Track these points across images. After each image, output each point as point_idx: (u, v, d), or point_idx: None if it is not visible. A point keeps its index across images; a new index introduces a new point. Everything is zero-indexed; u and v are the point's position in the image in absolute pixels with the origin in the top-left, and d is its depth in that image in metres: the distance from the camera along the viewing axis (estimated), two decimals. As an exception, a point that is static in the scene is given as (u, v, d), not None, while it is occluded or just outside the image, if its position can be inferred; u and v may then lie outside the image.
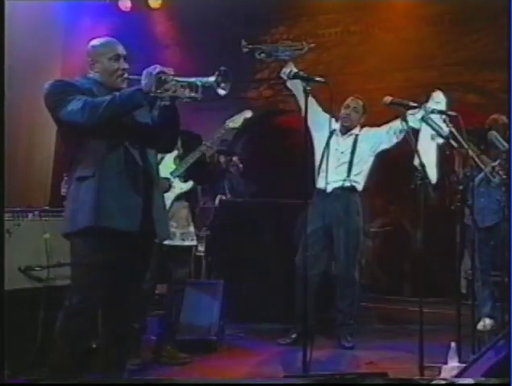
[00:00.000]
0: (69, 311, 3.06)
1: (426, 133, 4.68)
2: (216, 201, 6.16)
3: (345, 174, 4.98)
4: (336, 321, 5.08)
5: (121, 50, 3.23)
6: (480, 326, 4.90)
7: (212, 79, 2.96)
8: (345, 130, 5.11)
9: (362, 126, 5.16)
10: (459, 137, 4.25)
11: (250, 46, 4.33)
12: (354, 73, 7.89)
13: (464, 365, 3.20)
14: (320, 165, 5.07)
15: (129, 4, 8.52)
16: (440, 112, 4.37)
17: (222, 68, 3.00)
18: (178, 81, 3.01)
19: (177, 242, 4.35)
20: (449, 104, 4.74)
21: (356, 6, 7.94)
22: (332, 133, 5.05)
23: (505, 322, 4.42)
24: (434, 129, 4.22)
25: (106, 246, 3.04)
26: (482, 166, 4.82)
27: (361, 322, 5.68)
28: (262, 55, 4.33)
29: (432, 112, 4.33)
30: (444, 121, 4.16)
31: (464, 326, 4.11)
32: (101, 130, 3.04)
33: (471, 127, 4.37)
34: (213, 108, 6.82)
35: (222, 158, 6.34)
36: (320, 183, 5.02)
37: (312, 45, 4.41)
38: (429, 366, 3.67)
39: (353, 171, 5.01)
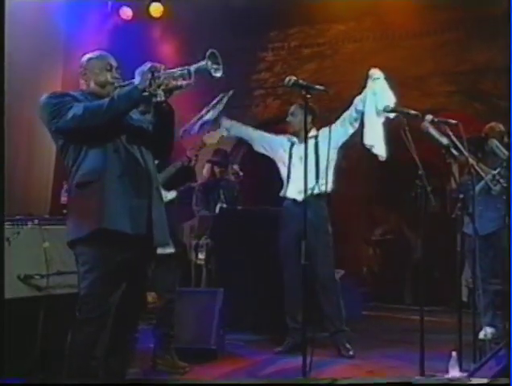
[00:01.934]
0: (80, 321, 3.05)
1: (371, 110, 4.72)
2: (217, 209, 6.15)
3: (314, 180, 4.94)
4: (329, 329, 5.04)
5: (112, 61, 3.31)
6: (481, 335, 4.86)
7: (203, 62, 2.99)
8: (298, 136, 5.09)
9: (319, 128, 5.13)
10: (460, 145, 4.25)
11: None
12: (352, 81, 7.90)
13: (465, 374, 3.19)
14: (289, 175, 5.10)
15: (130, 13, 8.53)
16: (441, 121, 4.37)
17: (210, 50, 3.01)
18: (170, 74, 3.04)
19: (158, 250, 4.33)
20: (388, 81, 4.74)
21: (355, 15, 7.96)
22: (292, 144, 5.13)
23: (507, 330, 4.40)
24: (434, 138, 4.22)
25: (114, 251, 3.04)
26: (483, 174, 4.82)
27: (361, 331, 5.68)
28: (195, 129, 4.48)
29: (432, 121, 4.34)
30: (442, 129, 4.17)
31: (465, 334, 4.09)
32: (100, 134, 3.07)
33: (468, 135, 4.35)
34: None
35: (216, 169, 6.35)
36: (291, 193, 5.05)
37: (226, 98, 4.63)
38: (430, 375, 3.66)
39: (320, 176, 4.98)
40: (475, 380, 2.75)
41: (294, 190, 5.02)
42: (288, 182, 5.13)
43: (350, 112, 4.96)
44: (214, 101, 4.57)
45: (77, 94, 3.22)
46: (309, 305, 4.79)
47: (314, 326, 4.97)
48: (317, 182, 4.92)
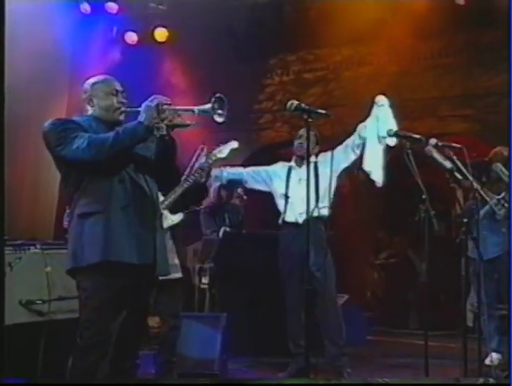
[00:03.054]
0: (81, 347, 3.00)
1: (372, 136, 4.71)
2: (220, 233, 6.12)
3: (313, 204, 4.91)
4: (330, 353, 4.97)
5: (118, 86, 3.26)
6: (487, 361, 4.81)
7: (208, 106, 2.98)
8: (301, 160, 5.08)
9: (317, 154, 5.13)
10: (463, 169, 4.24)
11: None
12: (355, 105, 7.92)
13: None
14: (287, 200, 5.08)
15: (135, 37, 8.61)
16: (445, 145, 4.36)
17: (217, 95, 3.01)
18: (175, 110, 3.04)
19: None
20: (392, 107, 4.73)
21: (358, 38, 7.98)
22: (289, 170, 5.14)
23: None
24: (438, 162, 4.21)
25: (116, 279, 3.01)
26: (487, 199, 4.80)
27: (365, 356, 5.62)
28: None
29: (436, 145, 4.33)
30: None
31: (470, 360, 4.04)
32: (105, 165, 3.04)
33: (471, 160, 4.34)
34: (217, 138, 6.88)
35: (224, 192, 6.33)
36: (290, 217, 5.03)
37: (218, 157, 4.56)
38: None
39: (319, 200, 4.94)
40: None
41: (293, 214, 5.01)
42: (286, 207, 5.10)
43: (353, 139, 4.95)
44: (216, 150, 4.54)
45: (82, 120, 3.19)
46: (311, 330, 4.81)
47: (316, 351, 4.95)
48: (317, 205, 4.90)
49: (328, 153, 4.90)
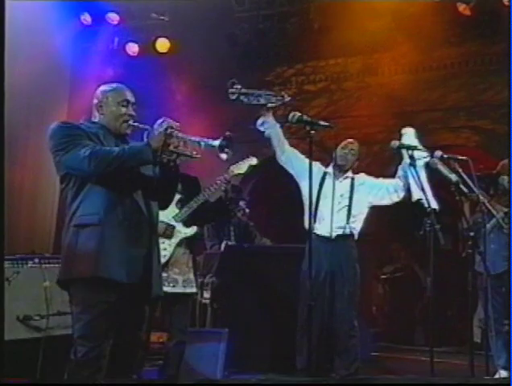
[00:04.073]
0: (75, 363, 2.95)
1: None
2: (222, 246, 6.05)
3: (345, 220, 4.83)
4: (339, 373, 4.86)
5: (130, 96, 3.21)
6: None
7: (216, 143, 2.96)
8: (339, 171, 4.97)
9: (355, 172, 5.04)
10: (469, 182, 4.17)
11: (236, 88, 4.32)
12: (359, 116, 7.88)
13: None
14: (316, 209, 4.91)
15: (136, 48, 8.57)
16: (450, 158, 4.29)
17: (228, 134, 2.99)
18: (182, 138, 3.00)
19: (179, 289, 4.24)
20: (420, 138, 4.65)
21: (361, 49, 7.94)
22: (324, 176, 4.92)
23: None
24: (443, 175, 4.14)
25: (108, 296, 2.96)
26: (494, 212, 4.71)
27: (370, 373, 5.51)
28: (245, 98, 4.32)
29: (441, 158, 4.26)
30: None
31: (478, 378, 3.94)
32: (105, 177, 3.00)
33: (479, 173, 4.27)
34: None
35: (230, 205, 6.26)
36: (321, 229, 4.83)
37: (288, 99, 4.42)
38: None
39: (351, 217, 4.85)
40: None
41: (324, 227, 4.80)
42: (316, 216, 4.83)
43: (398, 182, 4.79)
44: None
45: (89, 126, 3.14)
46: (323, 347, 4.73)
47: (325, 369, 4.87)
48: (348, 221, 4.82)
49: (368, 179, 4.89)
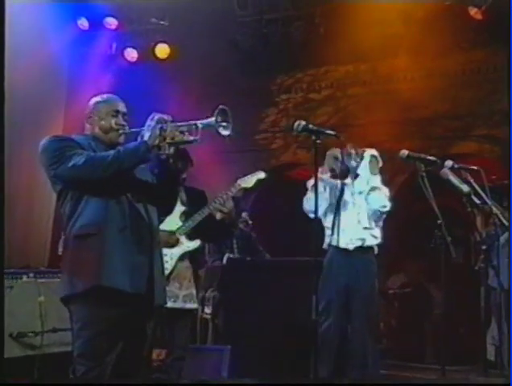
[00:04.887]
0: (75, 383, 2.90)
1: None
2: (224, 260, 5.94)
3: (364, 233, 4.73)
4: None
5: (121, 107, 3.16)
6: (510, 397, 4.54)
7: (211, 119, 2.89)
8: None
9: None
10: (482, 193, 4.04)
11: None
12: (369, 124, 7.77)
13: None
14: (334, 221, 4.79)
15: (135, 54, 8.48)
16: (461, 167, 4.17)
17: (220, 107, 2.92)
18: (177, 126, 2.92)
19: (179, 304, 4.16)
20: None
21: (369, 55, 7.83)
22: (343, 186, 4.82)
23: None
24: (454, 185, 4.02)
25: (110, 308, 2.88)
26: (507, 224, 4.57)
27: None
28: None
29: (452, 167, 4.14)
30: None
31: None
32: (103, 185, 2.94)
33: (491, 183, 4.15)
34: (223, 160, 6.72)
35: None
36: (340, 241, 4.73)
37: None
38: None
39: (371, 230, 4.76)
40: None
41: (343, 238, 4.72)
42: (334, 229, 4.76)
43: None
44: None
45: (80, 138, 3.09)
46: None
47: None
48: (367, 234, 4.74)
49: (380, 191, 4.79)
